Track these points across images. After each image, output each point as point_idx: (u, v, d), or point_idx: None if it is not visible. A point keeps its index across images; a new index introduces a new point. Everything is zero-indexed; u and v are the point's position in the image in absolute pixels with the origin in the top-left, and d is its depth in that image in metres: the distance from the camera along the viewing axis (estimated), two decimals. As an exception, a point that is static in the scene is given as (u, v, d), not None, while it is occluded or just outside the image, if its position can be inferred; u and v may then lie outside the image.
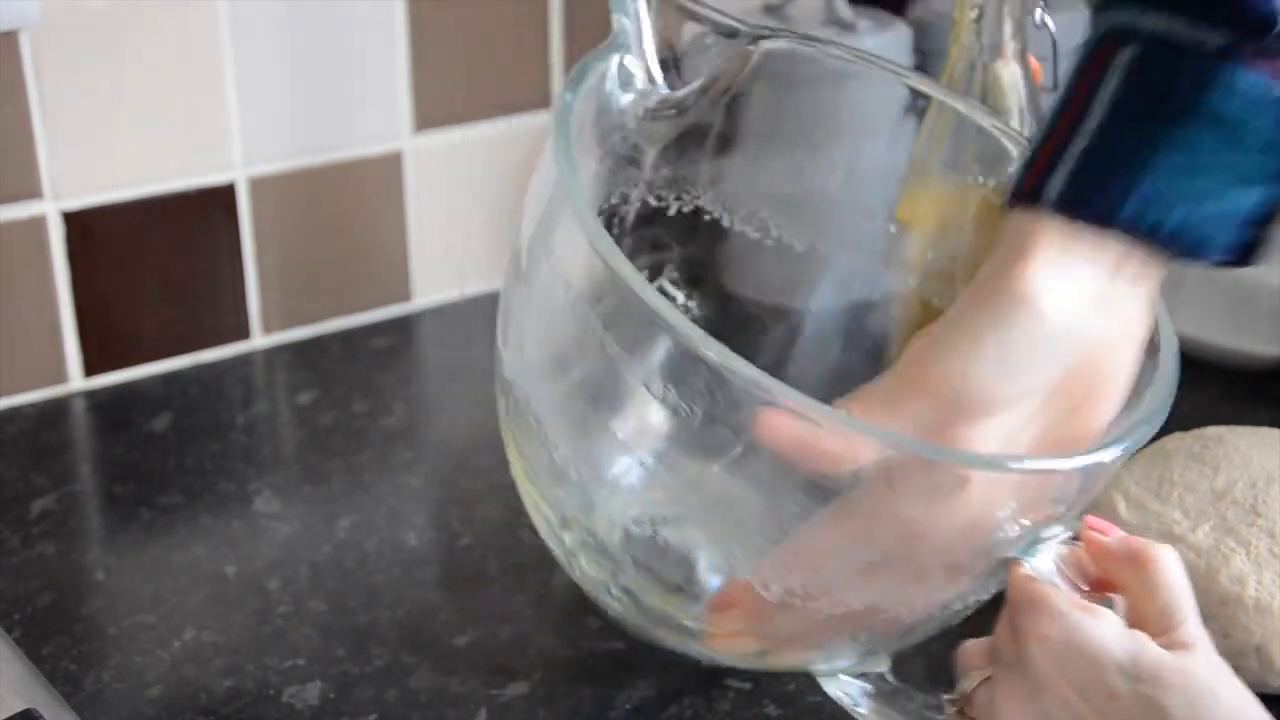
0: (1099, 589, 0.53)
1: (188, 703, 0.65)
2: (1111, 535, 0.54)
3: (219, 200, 0.92)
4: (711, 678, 0.66)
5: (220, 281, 0.93)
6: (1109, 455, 0.53)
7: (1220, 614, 0.65)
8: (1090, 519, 0.54)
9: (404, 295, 1.01)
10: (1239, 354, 0.92)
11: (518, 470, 0.63)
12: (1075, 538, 0.54)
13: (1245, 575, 0.65)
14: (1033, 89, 0.78)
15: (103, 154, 0.87)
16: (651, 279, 0.73)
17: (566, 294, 0.57)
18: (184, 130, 0.89)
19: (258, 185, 0.93)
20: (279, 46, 0.90)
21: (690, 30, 0.64)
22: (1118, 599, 0.53)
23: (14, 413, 0.88)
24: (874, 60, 0.68)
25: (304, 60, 0.92)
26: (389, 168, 0.97)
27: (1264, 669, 0.65)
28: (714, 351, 0.49)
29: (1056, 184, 0.49)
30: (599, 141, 0.64)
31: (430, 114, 0.97)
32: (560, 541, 0.62)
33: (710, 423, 0.52)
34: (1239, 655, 0.65)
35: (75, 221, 0.87)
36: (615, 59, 0.61)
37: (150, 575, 0.73)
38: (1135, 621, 0.51)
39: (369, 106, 0.95)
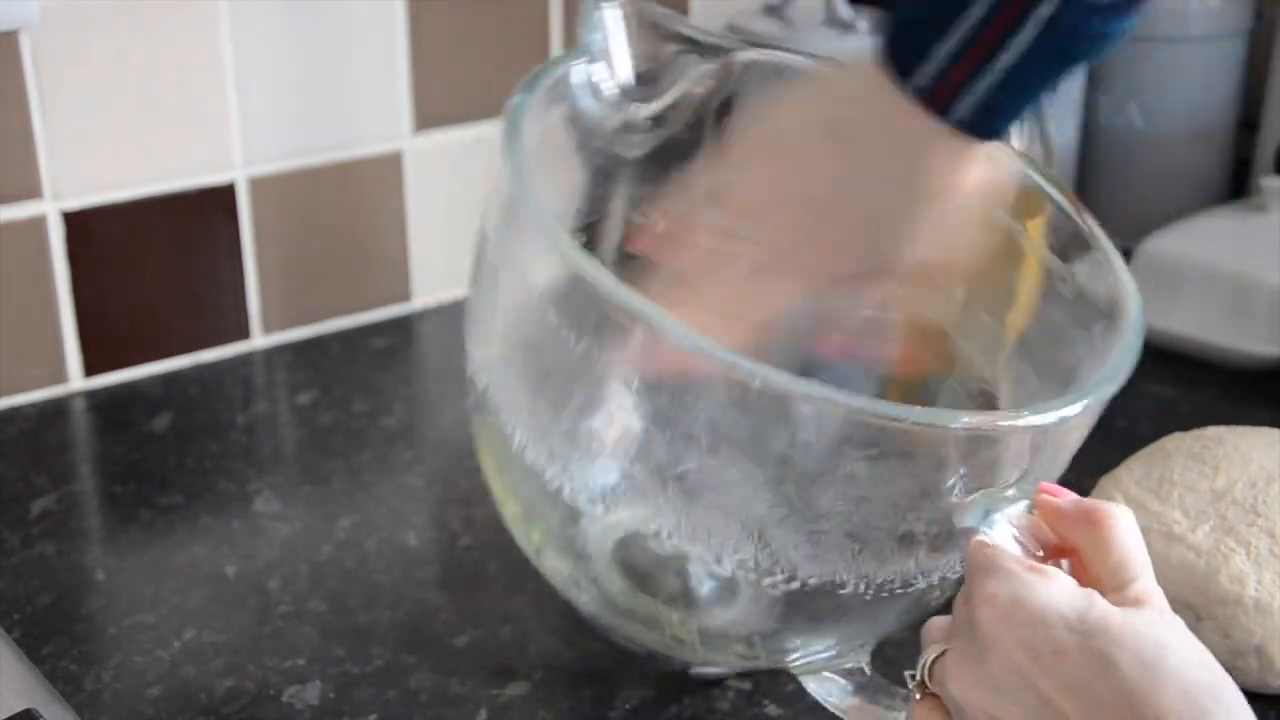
0: (1057, 555, 0.53)
1: (188, 703, 0.65)
2: (1064, 499, 0.53)
3: (219, 200, 0.92)
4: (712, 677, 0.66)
5: (220, 281, 0.93)
6: (1056, 415, 0.54)
7: (1220, 614, 0.65)
8: (1043, 484, 0.54)
9: (404, 295, 1.01)
10: (1239, 354, 0.92)
11: (487, 466, 0.64)
12: (1033, 506, 0.54)
13: (1245, 575, 0.65)
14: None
15: (103, 154, 0.87)
16: None
17: (529, 295, 0.57)
18: (184, 130, 0.89)
19: (258, 185, 0.93)
20: (279, 46, 0.90)
21: (669, 46, 0.64)
22: (1065, 563, 0.52)
23: (14, 413, 0.88)
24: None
25: (304, 60, 0.92)
26: (389, 168, 0.97)
27: (1264, 669, 0.65)
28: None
29: (964, 108, 0.53)
30: (575, 151, 0.64)
31: (430, 114, 0.97)
32: (528, 537, 0.63)
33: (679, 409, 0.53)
34: (1239, 655, 0.65)
35: (75, 221, 0.87)
36: (582, 68, 0.61)
37: (150, 575, 0.73)
38: (1089, 581, 0.51)
39: (369, 106, 0.95)
